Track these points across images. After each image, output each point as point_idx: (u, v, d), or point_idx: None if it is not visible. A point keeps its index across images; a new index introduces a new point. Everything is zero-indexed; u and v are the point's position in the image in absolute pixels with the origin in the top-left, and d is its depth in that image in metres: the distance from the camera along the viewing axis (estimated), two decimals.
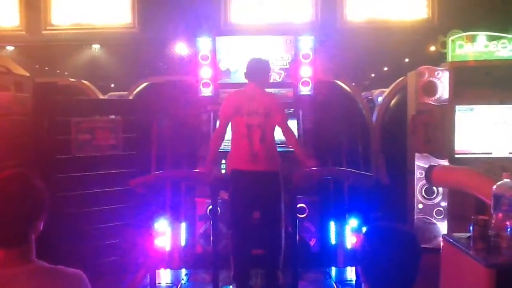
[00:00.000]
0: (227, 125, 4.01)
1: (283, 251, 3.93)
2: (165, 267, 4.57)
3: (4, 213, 1.65)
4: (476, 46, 4.82)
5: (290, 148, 4.26)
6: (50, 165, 4.07)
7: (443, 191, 4.80)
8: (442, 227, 4.76)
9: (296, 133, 4.91)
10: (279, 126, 4.02)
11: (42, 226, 1.75)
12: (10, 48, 10.23)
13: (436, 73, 4.75)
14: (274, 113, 3.94)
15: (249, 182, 3.86)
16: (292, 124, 4.93)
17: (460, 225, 4.07)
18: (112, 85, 13.09)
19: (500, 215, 2.25)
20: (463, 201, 4.38)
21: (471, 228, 2.32)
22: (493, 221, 2.29)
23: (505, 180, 2.28)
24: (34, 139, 4.12)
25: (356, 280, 3.88)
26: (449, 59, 4.87)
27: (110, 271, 4.04)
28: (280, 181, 3.93)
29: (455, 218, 4.60)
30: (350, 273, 4.51)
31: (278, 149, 4.13)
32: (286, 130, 4.05)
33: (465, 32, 4.87)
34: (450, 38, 4.84)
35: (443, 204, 4.83)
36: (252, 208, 3.97)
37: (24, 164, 3.76)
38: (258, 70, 4.04)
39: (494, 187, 2.28)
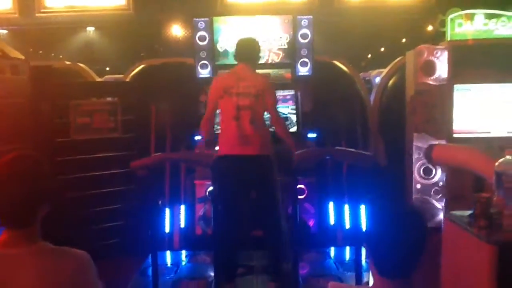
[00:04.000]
0: (216, 108, 3.90)
1: (284, 234, 3.91)
2: (166, 249, 4.60)
3: (11, 195, 1.65)
4: (475, 25, 4.78)
5: (290, 129, 4.24)
6: (49, 148, 4.06)
7: (441, 171, 4.82)
8: (440, 206, 4.79)
9: (294, 113, 4.91)
10: (268, 111, 3.87)
11: (47, 208, 1.75)
12: (3, 31, 10.10)
13: (435, 52, 4.72)
14: (266, 95, 3.81)
15: (239, 167, 3.72)
16: (290, 105, 4.95)
17: (458, 204, 4.10)
18: (107, 68, 13.03)
19: (502, 192, 2.27)
20: (461, 180, 4.40)
21: (473, 206, 2.33)
22: (495, 199, 2.30)
23: (508, 157, 2.28)
24: (32, 123, 4.09)
25: (355, 260, 3.91)
26: (448, 38, 4.84)
27: (111, 253, 4.05)
28: (272, 165, 3.80)
29: (453, 197, 4.62)
30: (349, 253, 4.55)
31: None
32: (276, 117, 3.92)
33: (463, 10, 4.84)
34: (449, 17, 4.80)
35: (441, 183, 4.85)
36: (243, 194, 3.85)
37: (23, 147, 3.74)
38: (248, 50, 3.94)
39: (496, 164, 2.28)
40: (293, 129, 4.91)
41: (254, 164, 3.73)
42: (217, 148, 4.49)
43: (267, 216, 3.84)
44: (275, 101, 3.95)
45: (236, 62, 3.97)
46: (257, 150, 3.74)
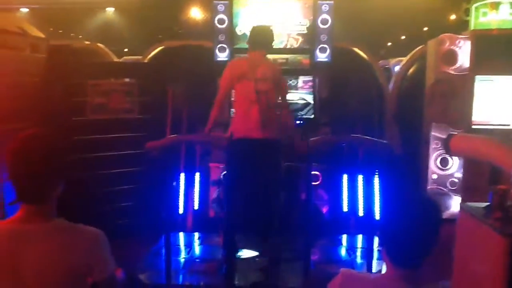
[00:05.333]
0: (229, 92, 4.05)
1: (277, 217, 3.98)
2: (179, 231, 4.64)
3: (27, 170, 1.67)
4: (501, 14, 4.66)
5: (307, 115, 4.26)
6: (65, 127, 4.09)
7: (458, 162, 4.76)
8: (456, 197, 4.74)
9: (312, 99, 4.90)
10: (282, 96, 4.12)
11: (63, 185, 1.77)
12: (24, 10, 10.15)
13: (457, 42, 4.63)
14: (282, 82, 4.07)
15: (257, 149, 3.85)
16: (308, 91, 4.92)
17: (474, 195, 4.05)
18: (126, 50, 13.05)
19: None
20: (477, 172, 4.35)
21: (489, 197, 2.30)
22: None
23: None
24: (49, 101, 4.13)
25: (367, 248, 3.90)
26: (472, 27, 4.73)
27: (125, 233, 4.09)
28: (281, 149, 3.96)
29: (469, 189, 4.57)
30: (362, 241, 4.54)
31: None
32: (288, 103, 4.23)
33: None
34: (474, 5, 4.69)
35: (458, 175, 4.79)
36: (254, 175, 3.93)
37: (40, 125, 3.78)
38: (263, 37, 4.04)
39: None
40: (310, 115, 4.89)
41: (271, 147, 3.87)
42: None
43: (270, 197, 3.94)
44: (287, 88, 4.29)
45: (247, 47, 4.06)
46: (274, 133, 3.88)
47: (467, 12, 4.74)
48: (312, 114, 4.90)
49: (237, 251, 4.01)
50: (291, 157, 4.26)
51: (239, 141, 3.90)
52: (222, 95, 4.04)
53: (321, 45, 4.92)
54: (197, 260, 4.10)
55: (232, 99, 4.29)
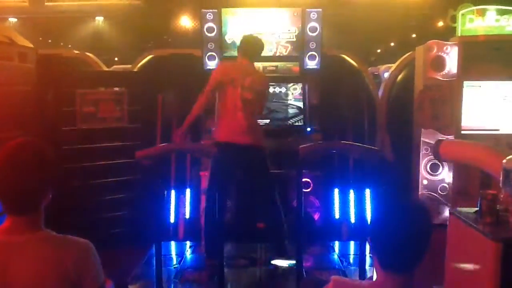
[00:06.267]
0: (216, 90, 4.03)
1: (282, 224, 4.06)
2: (170, 240, 4.60)
3: (15, 181, 1.64)
4: (487, 21, 4.72)
5: (298, 123, 4.37)
6: (55, 136, 4.07)
7: (448, 168, 4.78)
8: (446, 203, 4.76)
9: (301, 106, 4.92)
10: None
11: (51, 195, 1.74)
12: (13, 20, 10.12)
13: (445, 48, 4.68)
14: (266, 93, 4.15)
15: (241, 154, 3.91)
16: (298, 98, 4.94)
17: (464, 201, 4.07)
18: (116, 59, 13.01)
19: (509, 189, 2.24)
20: (468, 177, 4.38)
21: (479, 202, 2.31)
22: (502, 196, 2.27)
23: None
24: (38, 110, 4.10)
25: (359, 254, 3.89)
26: (459, 33, 4.78)
27: (115, 243, 4.06)
28: (266, 155, 4.04)
29: (460, 194, 4.59)
30: (354, 247, 4.53)
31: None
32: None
33: (475, 6, 4.78)
34: (461, 12, 4.75)
35: (448, 180, 4.82)
36: (241, 181, 4.11)
37: (29, 135, 3.75)
38: (254, 47, 4.10)
39: (504, 161, 2.26)
40: (300, 122, 4.90)
41: (255, 152, 3.95)
42: None
43: (266, 206, 4.03)
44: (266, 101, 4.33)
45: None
46: (256, 141, 3.98)
47: (454, 18, 4.79)
48: (302, 121, 4.91)
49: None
50: (281, 164, 4.29)
51: (222, 145, 3.93)
52: (208, 93, 4.01)
53: (310, 53, 4.94)
54: (189, 269, 4.07)
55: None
